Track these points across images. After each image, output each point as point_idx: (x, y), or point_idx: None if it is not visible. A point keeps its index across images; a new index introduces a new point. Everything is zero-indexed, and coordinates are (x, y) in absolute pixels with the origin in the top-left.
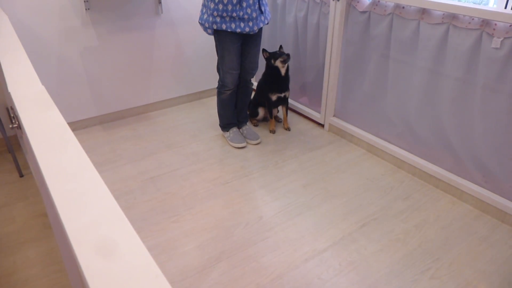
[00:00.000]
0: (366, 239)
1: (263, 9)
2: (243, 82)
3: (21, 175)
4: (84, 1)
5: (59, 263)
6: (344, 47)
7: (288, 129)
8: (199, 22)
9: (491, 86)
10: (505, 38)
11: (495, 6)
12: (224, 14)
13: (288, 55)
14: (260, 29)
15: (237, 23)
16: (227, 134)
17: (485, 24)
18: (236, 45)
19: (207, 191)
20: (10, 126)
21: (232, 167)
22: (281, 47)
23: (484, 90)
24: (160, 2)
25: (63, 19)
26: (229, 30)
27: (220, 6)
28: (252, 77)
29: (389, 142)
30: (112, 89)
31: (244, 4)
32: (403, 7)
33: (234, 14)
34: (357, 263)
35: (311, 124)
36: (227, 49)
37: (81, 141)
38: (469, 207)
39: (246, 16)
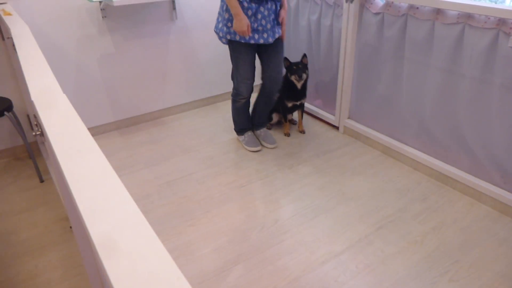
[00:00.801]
0: (383, 242)
1: (277, 20)
2: (267, 91)
3: (42, 181)
4: (101, 9)
5: (80, 266)
6: (358, 49)
7: (303, 132)
8: (214, 30)
9: (509, 86)
10: None
11: (511, 4)
12: None
13: (301, 75)
14: (280, 38)
15: (252, 35)
16: (242, 138)
17: (501, 23)
18: (250, 56)
19: (222, 195)
20: (33, 133)
21: (247, 170)
22: (304, 56)
23: (501, 89)
24: (174, 8)
25: (80, 27)
26: (243, 41)
27: None
28: (279, 87)
29: (405, 143)
30: (128, 95)
31: (259, 16)
32: (417, 8)
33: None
34: (374, 265)
35: (326, 127)
36: (241, 59)
37: (99, 146)
38: (488, 208)
39: (260, 28)
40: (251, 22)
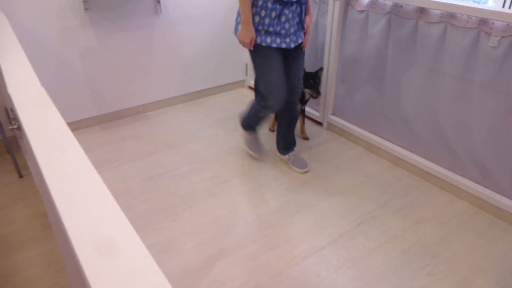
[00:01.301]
0: (364, 237)
1: (301, 24)
2: (288, 103)
3: (21, 176)
4: (83, 1)
5: (60, 263)
6: (343, 46)
7: (306, 138)
8: (234, 33)
9: (489, 84)
10: (502, 37)
11: (493, 5)
12: (260, 28)
13: (319, 91)
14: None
15: (273, 38)
16: (245, 134)
17: (482, 23)
18: (278, 60)
19: (206, 190)
20: (10, 127)
21: (231, 166)
22: (321, 69)
23: (482, 88)
24: (158, 2)
25: (61, 19)
26: (263, 44)
27: (257, 19)
28: (298, 97)
29: (387, 140)
30: (111, 89)
31: (283, 19)
32: (401, 6)
33: (271, 29)
34: (355, 260)
35: (310, 123)
36: (269, 65)
37: (80, 141)
38: (466, 204)
39: (283, 31)
40: (273, 25)
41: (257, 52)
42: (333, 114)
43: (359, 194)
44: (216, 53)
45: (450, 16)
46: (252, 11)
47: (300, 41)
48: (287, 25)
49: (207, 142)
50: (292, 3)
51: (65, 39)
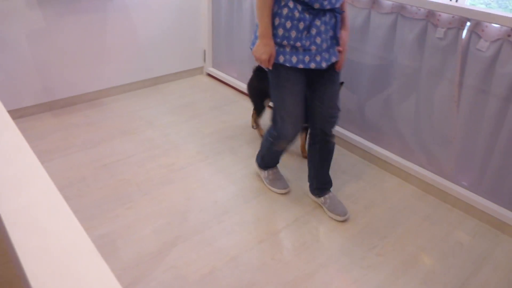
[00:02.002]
0: (318, 221)
1: (336, 39)
2: (321, 135)
3: None
4: None
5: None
6: None
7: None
8: (250, 48)
9: (435, 73)
10: (448, 28)
11: None
12: (285, 43)
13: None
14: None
15: (300, 57)
16: (264, 174)
17: (430, 15)
18: (300, 85)
19: (162, 177)
20: None
21: (188, 153)
22: (340, 84)
23: (429, 77)
24: None
25: None
26: (287, 64)
27: (281, 32)
28: (333, 127)
29: (341, 126)
30: (62, 74)
31: (314, 31)
32: None
33: (298, 44)
34: (309, 243)
35: (268, 110)
36: (288, 89)
37: (29, 128)
38: (414, 188)
39: (313, 47)
40: (301, 39)
41: (278, 73)
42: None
43: None
44: (173, 39)
45: (400, 7)
46: (275, 22)
47: (333, 60)
48: (318, 40)
49: (163, 129)
50: (324, 12)
51: (9, 20)
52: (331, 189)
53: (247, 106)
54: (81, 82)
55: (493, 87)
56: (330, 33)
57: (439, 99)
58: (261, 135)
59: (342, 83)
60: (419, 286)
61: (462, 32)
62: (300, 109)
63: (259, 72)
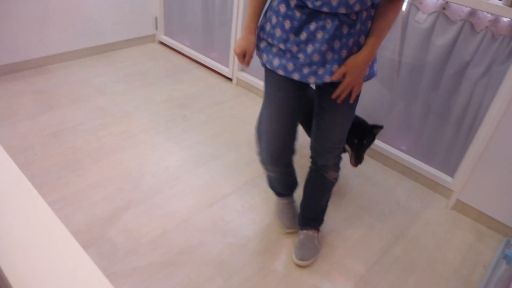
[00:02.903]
0: (266, 184)
1: (342, 53)
2: (314, 166)
3: None
4: None
5: None
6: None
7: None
8: None
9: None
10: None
11: None
12: (270, 41)
13: (361, 157)
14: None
15: (283, 61)
16: (276, 200)
17: None
18: (286, 94)
19: (114, 145)
20: None
21: (139, 121)
22: (380, 128)
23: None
24: None
25: None
26: (268, 66)
27: (267, 27)
28: (327, 162)
29: None
30: (5, 38)
31: (304, 36)
32: None
33: (282, 46)
34: (258, 205)
35: (220, 78)
36: (268, 95)
37: None
38: None
39: (301, 56)
40: (288, 42)
41: (265, 74)
42: (242, 70)
43: None
44: (123, 5)
45: None
46: (267, 14)
47: (327, 79)
48: (310, 48)
49: (114, 97)
50: (326, 15)
51: None
52: (319, 229)
53: (200, 74)
54: (26, 47)
55: (429, 57)
56: (325, 47)
57: (381, 69)
58: None
59: (381, 127)
60: (359, 238)
61: None
62: (277, 126)
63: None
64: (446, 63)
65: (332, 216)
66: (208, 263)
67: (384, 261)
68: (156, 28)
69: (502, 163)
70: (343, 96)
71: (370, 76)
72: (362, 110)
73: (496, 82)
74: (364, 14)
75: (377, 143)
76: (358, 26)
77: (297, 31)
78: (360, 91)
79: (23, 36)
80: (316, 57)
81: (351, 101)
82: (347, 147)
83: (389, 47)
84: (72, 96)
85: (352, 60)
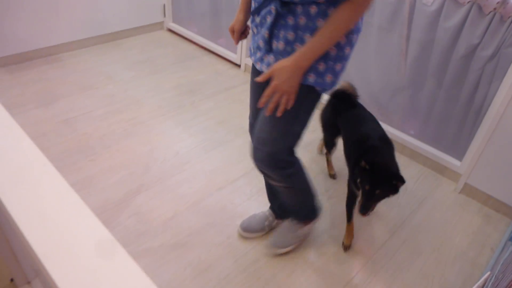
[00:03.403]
0: None
1: (279, 45)
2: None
3: None
4: None
5: None
6: None
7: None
8: None
9: (385, 28)
10: None
11: None
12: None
13: (368, 207)
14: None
15: (251, 42)
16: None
17: None
18: (252, 76)
19: (124, 131)
20: None
21: (149, 107)
22: (402, 182)
23: (380, 32)
24: None
25: None
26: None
27: (254, 4)
28: (257, 160)
29: None
30: (16, 28)
31: (257, 19)
32: None
33: (250, 27)
34: (264, 189)
35: (228, 65)
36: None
37: None
38: None
39: (261, 43)
40: (252, 23)
41: None
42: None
43: None
44: None
45: None
46: None
47: (264, 68)
48: (261, 32)
49: (124, 85)
50: (270, 2)
51: None
52: (289, 220)
53: (208, 61)
54: (36, 36)
55: (437, 40)
56: (263, 33)
57: (389, 53)
58: (331, 175)
59: (402, 181)
60: (366, 222)
61: None
62: (251, 115)
63: (334, 101)
64: (454, 46)
65: (341, 199)
66: (218, 245)
67: (392, 243)
68: (164, 15)
69: (510, 147)
70: (271, 106)
71: (317, 85)
72: (370, 95)
73: (505, 65)
74: (313, 9)
75: (385, 127)
76: (302, 20)
77: (256, 13)
78: (294, 105)
79: (33, 26)
80: (261, 43)
81: (279, 114)
82: (358, 190)
83: (396, 30)
84: (83, 84)
85: (280, 62)
